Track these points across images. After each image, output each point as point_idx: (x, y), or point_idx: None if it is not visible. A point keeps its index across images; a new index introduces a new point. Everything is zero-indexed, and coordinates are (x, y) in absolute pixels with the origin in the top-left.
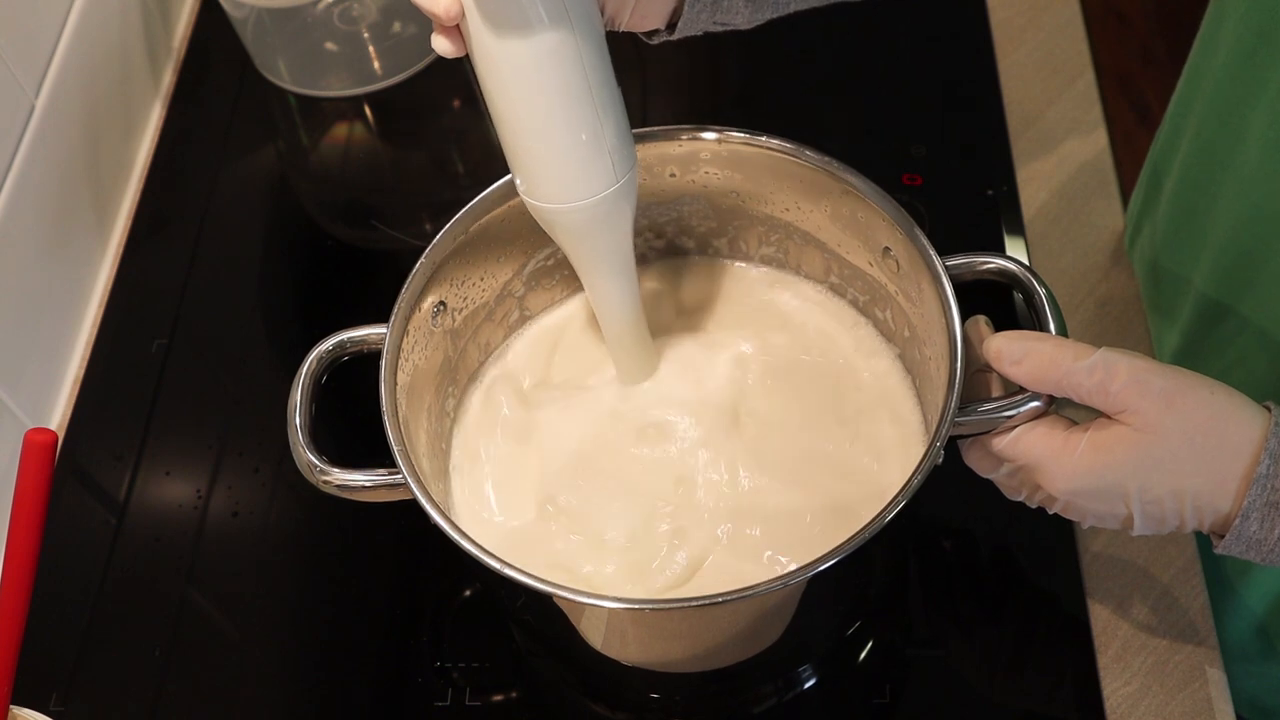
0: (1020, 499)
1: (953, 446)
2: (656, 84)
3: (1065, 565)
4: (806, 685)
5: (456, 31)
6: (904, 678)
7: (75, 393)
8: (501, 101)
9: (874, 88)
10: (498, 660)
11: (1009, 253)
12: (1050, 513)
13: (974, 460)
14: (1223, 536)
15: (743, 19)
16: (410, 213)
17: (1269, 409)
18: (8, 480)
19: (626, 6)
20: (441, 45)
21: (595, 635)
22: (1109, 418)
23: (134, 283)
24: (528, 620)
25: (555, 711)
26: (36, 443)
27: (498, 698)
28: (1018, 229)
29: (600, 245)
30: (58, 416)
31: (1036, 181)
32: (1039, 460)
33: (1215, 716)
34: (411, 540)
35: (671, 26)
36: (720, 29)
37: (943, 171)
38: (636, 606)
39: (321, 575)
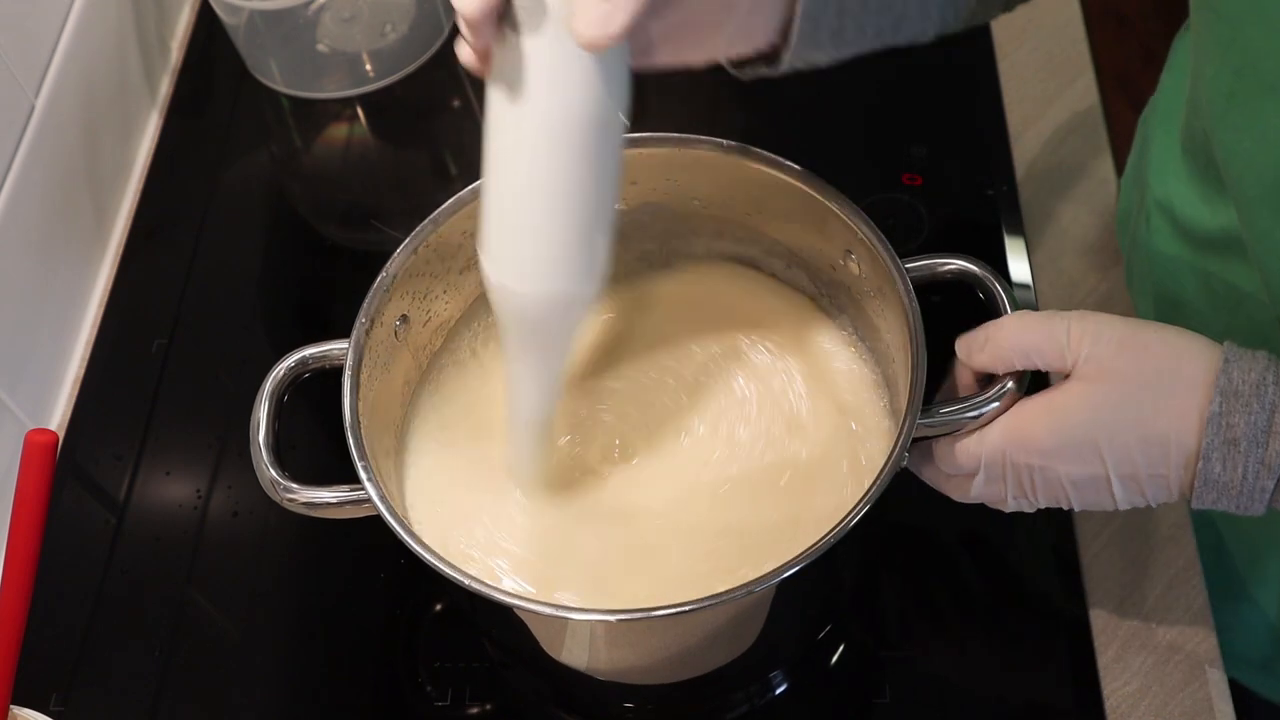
0: (1013, 506)
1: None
2: (656, 85)
3: (1065, 565)
4: (807, 688)
5: (486, 53)
6: (905, 678)
7: (75, 393)
8: (514, 157)
9: (874, 88)
10: (500, 661)
11: (1009, 252)
12: (1042, 504)
13: (951, 488)
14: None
15: (824, 56)
16: (407, 212)
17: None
18: (8, 481)
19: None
20: (465, 56)
21: (557, 647)
22: (1067, 379)
23: (134, 283)
24: (501, 630)
25: (553, 713)
26: (37, 443)
27: (500, 699)
28: (1018, 229)
29: (554, 339)
30: (58, 416)
31: (1036, 181)
32: (1004, 443)
33: (1215, 717)
34: None
35: (768, 59)
36: (803, 67)
37: (943, 171)
38: (599, 618)
39: (322, 575)
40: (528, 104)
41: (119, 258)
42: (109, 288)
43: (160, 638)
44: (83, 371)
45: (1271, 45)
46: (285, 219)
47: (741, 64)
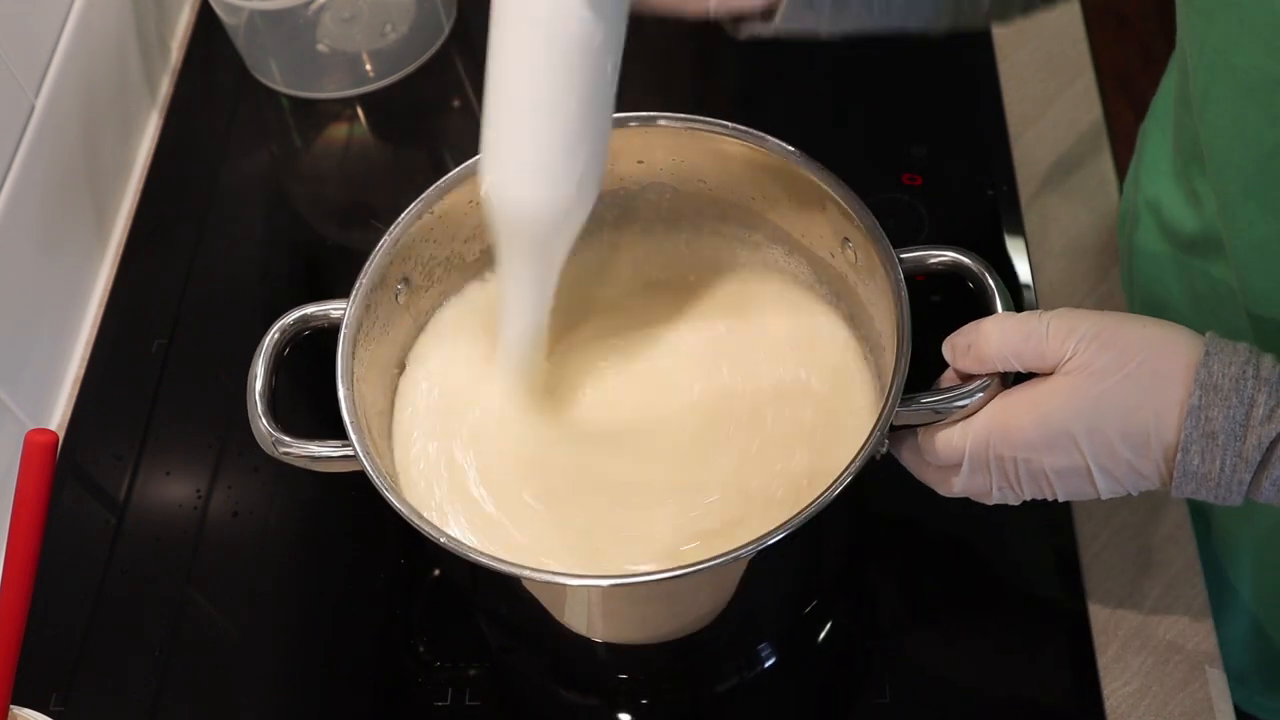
0: (998, 498)
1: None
2: (656, 81)
3: (1065, 565)
4: (794, 665)
5: None
6: (906, 677)
7: (75, 393)
8: (506, 69)
9: (874, 87)
10: (499, 660)
11: (1010, 252)
12: (1027, 495)
13: (936, 481)
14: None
15: (824, 24)
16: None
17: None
18: (8, 481)
19: None
20: None
21: (559, 611)
22: (1052, 374)
23: (134, 283)
24: (500, 610)
25: (555, 706)
26: (37, 443)
27: (500, 698)
28: (1018, 229)
29: (544, 249)
30: (58, 416)
31: (1036, 181)
32: (989, 434)
33: (1215, 717)
34: (412, 540)
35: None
36: (799, 31)
37: (943, 171)
38: (593, 583)
39: (321, 575)
40: (521, 18)
41: (119, 257)
42: (109, 288)
43: (160, 638)
44: (83, 371)
45: (1245, 42)
46: (285, 219)
47: (739, 20)
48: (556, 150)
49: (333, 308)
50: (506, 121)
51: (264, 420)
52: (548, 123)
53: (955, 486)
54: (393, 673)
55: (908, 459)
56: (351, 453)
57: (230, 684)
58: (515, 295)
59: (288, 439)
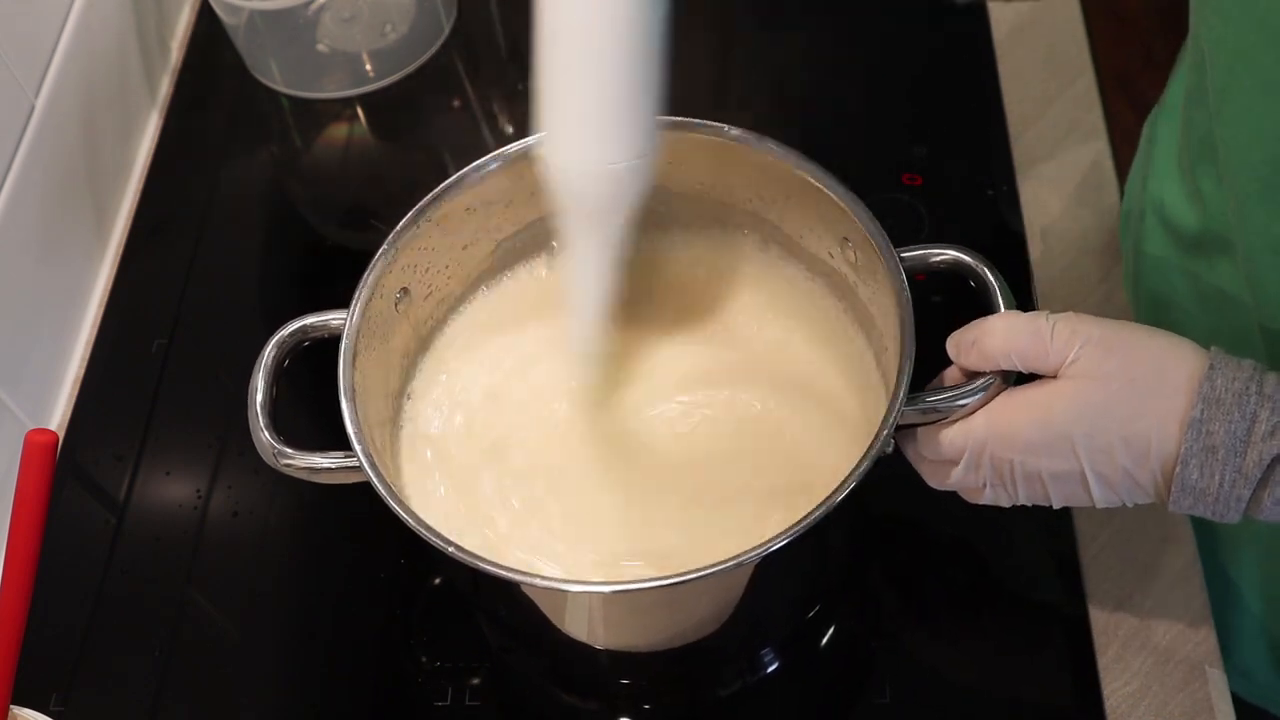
0: (989, 497)
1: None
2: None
3: (1065, 565)
4: (798, 669)
5: None
6: (905, 677)
7: (75, 393)
8: (572, 34)
9: (874, 87)
10: (500, 660)
11: (1010, 252)
12: (1022, 498)
13: (930, 473)
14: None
15: None
16: (406, 212)
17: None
18: (8, 481)
19: None
20: None
21: (559, 617)
22: (1052, 377)
23: (134, 283)
24: (499, 603)
25: (556, 705)
26: (37, 443)
27: (500, 698)
28: (1018, 229)
29: (609, 213)
30: (58, 416)
31: (1036, 181)
32: (988, 434)
33: (1215, 716)
34: (412, 540)
35: None
36: None
37: (943, 171)
38: (594, 589)
39: (321, 575)
40: None
41: (119, 258)
42: (109, 288)
43: (160, 638)
44: (83, 371)
45: (1264, 40)
46: (285, 219)
47: None
48: (622, 103)
49: (332, 318)
50: (558, 88)
51: (266, 433)
52: (598, 88)
53: (949, 480)
54: (393, 673)
55: (909, 452)
56: (355, 464)
57: (230, 684)
58: (582, 265)
59: (290, 451)
